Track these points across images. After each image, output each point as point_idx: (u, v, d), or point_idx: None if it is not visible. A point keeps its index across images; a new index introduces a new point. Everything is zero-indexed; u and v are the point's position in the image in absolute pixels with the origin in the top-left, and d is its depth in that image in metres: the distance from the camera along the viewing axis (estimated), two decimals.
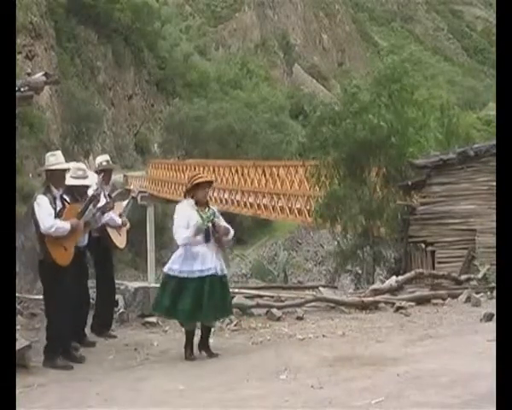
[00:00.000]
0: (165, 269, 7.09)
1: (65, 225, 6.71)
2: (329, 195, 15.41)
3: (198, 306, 6.85)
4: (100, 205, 7.40)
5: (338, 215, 15.30)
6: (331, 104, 16.80)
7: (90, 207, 7.15)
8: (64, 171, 7.03)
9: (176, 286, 6.92)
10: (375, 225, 15.18)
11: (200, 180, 7.04)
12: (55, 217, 6.74)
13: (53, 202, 6.79)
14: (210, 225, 6.93)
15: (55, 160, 6.94)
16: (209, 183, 7.23)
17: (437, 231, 13.59)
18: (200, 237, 6.90)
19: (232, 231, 7.15)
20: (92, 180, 7.45)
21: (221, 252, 7.12)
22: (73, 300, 7.00)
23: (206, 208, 7.02)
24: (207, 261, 6.90)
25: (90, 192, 7.40)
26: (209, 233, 6.94)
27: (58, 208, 6.82)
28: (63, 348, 6.90)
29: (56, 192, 6.89)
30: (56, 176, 6.90)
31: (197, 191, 6.98)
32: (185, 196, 7.10)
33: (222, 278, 7.04)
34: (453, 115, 16.88)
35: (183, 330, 8.04)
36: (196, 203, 6.97)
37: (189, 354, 7.05)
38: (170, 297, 6.94)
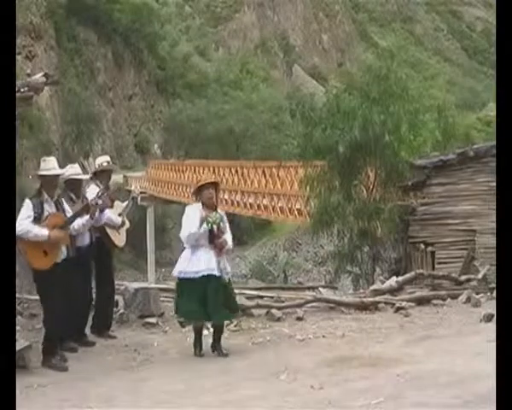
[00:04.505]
0: (174, 273, 7.26)
1: (40, 232, 6.65)
2: (325, 199, 15.33)
3: (203, 305, 6.96)
4: (98, 203, 7.37)
5: (334, 218, 15.23)
6: (319, 110, 16.60)
7: (85, 218, 7.13)
8: (56, 177, 7.02)
9: (184, 287, 7.08)
10: (373, 226, 15.15)
11: (203, 182, 7.15)
12: (41, 221, 6.72)
13: (39, 206, 6.77)
14: (215, 227, 6.98)
15: (47, 165, 6.95)
16: (213, 184, 7.27)
17: (437, 232, 13.58)
18: (203, 240, 7.00)
19: (229, 245, 7.19)
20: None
21: (223, 255, 7.15)
22: (71, 299, 7.00)
23: (214, 212, 7.08)
24: (211, 262, 6.99)
25: (91, 196, 7.43)
26: (213, 236, 7.00)
27: (46, 213, 6.79)
28: (57, 348, 6.91)
29: (47, 197, 6.88)
30: (47, 181, 6.91)
31: (202, 194, 7.09)
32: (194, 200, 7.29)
33: (223, 279, 7.08)
34: (449, 115, 16.82)
35: (183, 330, 8.06)
36: (203, 206, 7.05)
37: (198, 352, 7.17)
38: (182, 299, 7.12)
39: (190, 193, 7.54)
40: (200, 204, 7.10)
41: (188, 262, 7.04)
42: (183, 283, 7.09)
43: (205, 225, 6.95)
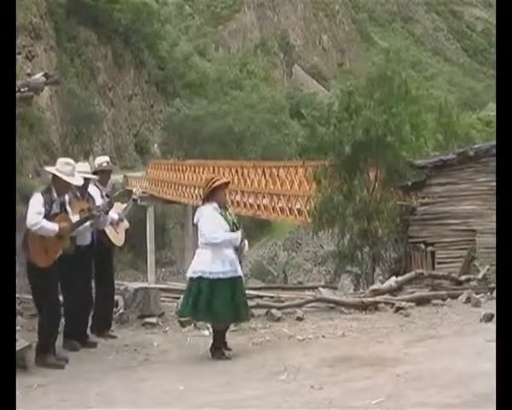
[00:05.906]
0: (193, 274, 7.00)
1: (51, 227, 6.67)
2: (326, 199, 15.35)
3: (234, 306, 6.94)
4: (102, 206, 7.42)
5: (334, 218, 15.24)
6: (328, 105, 16.73)
7: (87, 224, 7.19)
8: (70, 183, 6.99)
9: (208, 288, 6.87)
10: (373, 225, 15.16)
11: (219, 183, 7.02)
12: (48, 220, 6.71)
13: (49, 203, 6.75)
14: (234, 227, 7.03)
15: (70, 171, 6.88)
16: (226, 184, 7.27)
17: (437, 232, 13.59)
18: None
19: (246, 245, 7.24)
20: (79, 181, 7.19)
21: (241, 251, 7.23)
22: (69, 298, 6.99)
23: (227, 210, 7.10)
24: (234, 263, 6.98)
25: (98, 199, 7.48)
26: None
27: (53, 212, 6.78)
28: (52, 347, 6.89)
29: (56, 197, 6.85)
30: (62, 184, 6.86)
31: (217, 194, 6.96)
32: (203, 201, 7.06)
33: (242, 278, 7.16)
34: (451, 115, 16.85)
35: (183, 330, 8.05)
36: (218, 206, 7.00)
37: (226, 356, 6.99)
38: (205, 299, 6.89)
39: (201, 193, 7.37)
40: (216, 204, 6.95)
41: (212, 262, 6.86)
42: (207, 283, 6.87)
43: (228, 228, 6.91)
